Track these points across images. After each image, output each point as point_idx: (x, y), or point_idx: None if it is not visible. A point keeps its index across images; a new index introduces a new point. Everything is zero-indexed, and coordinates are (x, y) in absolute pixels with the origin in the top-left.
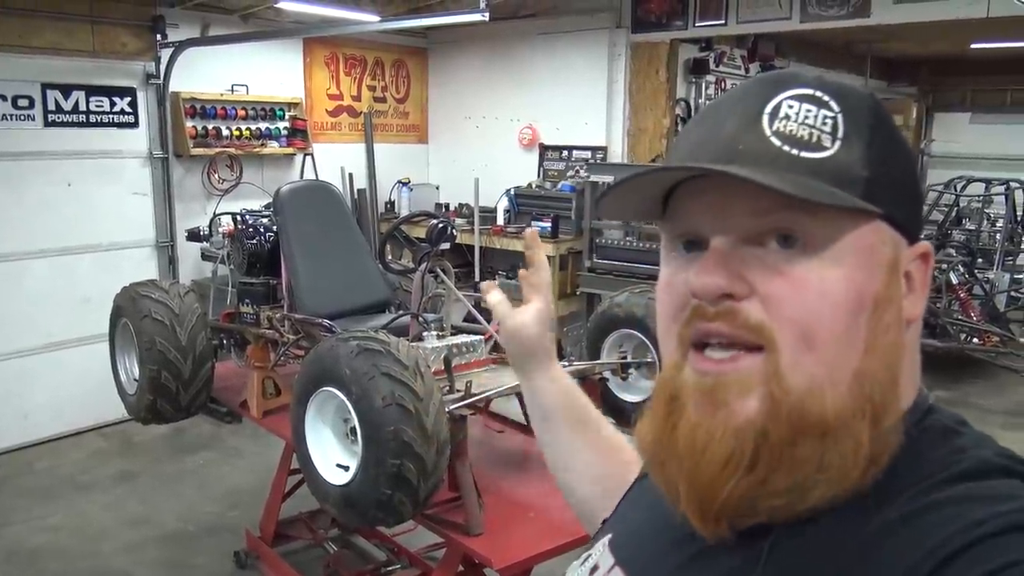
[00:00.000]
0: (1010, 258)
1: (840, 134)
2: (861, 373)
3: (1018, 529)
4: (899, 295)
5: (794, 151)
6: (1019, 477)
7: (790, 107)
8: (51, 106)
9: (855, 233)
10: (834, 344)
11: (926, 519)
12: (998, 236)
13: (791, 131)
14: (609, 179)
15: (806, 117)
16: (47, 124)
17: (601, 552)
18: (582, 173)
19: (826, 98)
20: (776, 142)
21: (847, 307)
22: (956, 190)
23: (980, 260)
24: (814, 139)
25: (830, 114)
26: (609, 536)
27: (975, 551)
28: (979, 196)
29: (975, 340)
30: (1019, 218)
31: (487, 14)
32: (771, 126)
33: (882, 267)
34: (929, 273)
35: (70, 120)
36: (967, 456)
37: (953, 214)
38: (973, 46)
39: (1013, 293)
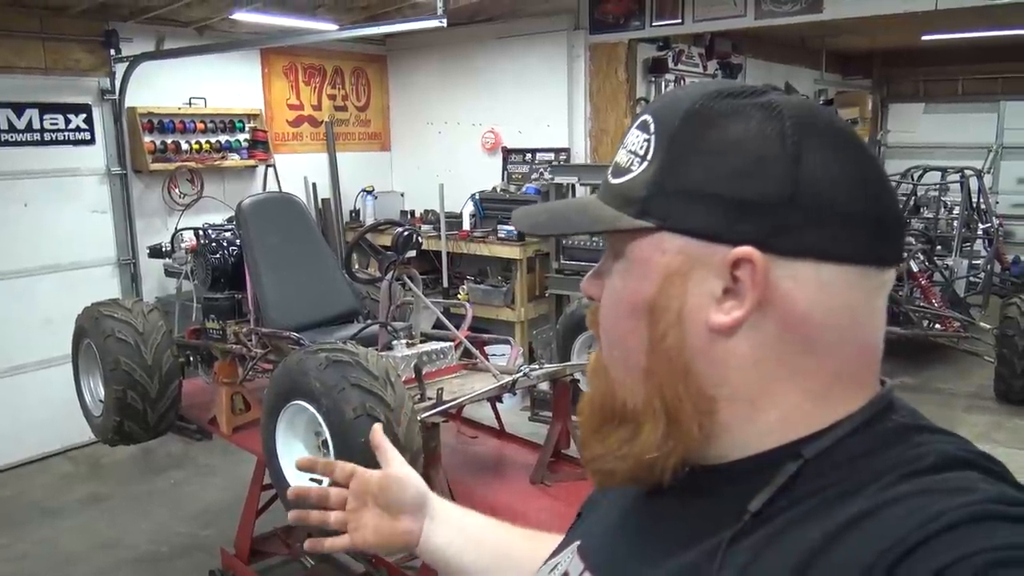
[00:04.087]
0: (967, 244)
1: (649, 155)
2: (649, 371)
3: (972, 521)
4: (682, 302)
5: (611, 179)
6: (979, 469)
7: (632, 135)
8: (3, 125)
9: (632, 246)
10: (620, 344)
11: (887, 514)
12: (955, 223)
13: (619, 160)
14: (573, 180)
15: (633, 143)
16: (0, 144)
17: (570, 559)
18: (546, 175)
19: (649, 120)
20: (608, 172)
21: (623, 312)
22: (913, 179)
23: (939, 247)
24: (627, 164)
25: (647, 136)
26: (578, 542)
27: (930, 546)
28: (935, 185)
29: (937, 326)
30: (974, 205)
31: (445, 20)
32: (616, 156)
33: (657, 276)
34: (764, 277)
35: (24, 139)
36: (929, 451)
37: (911, 203)
38: (924, 38)
39: (972, 278)
